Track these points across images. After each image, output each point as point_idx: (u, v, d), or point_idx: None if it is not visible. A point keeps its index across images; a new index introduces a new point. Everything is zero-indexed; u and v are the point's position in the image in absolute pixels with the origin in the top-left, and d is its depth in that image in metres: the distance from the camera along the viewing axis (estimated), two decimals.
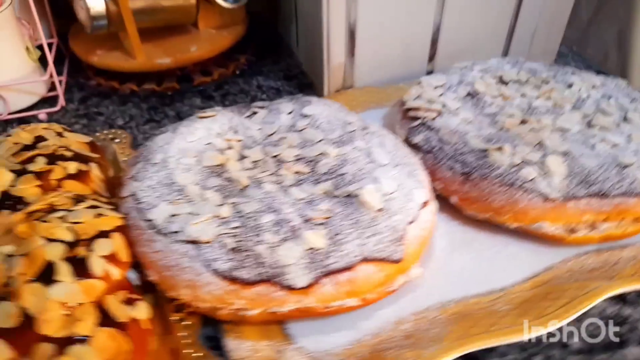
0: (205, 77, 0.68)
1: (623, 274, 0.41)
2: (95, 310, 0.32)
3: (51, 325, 0.30)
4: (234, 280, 0.35)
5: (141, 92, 0.67)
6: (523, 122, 0.50)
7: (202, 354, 0.36)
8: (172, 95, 0.67)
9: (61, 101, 0.64)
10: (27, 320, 0.30)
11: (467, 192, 0.45)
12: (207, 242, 0.36)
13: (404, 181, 0.42)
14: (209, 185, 0.41)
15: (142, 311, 0.36)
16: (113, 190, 0.47)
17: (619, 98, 0.52)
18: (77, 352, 0.29)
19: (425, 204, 0.41)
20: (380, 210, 0.39)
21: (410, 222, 0.39)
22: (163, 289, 0.37)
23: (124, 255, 0.37)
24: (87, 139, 0.45)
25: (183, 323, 0.38)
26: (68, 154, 0.42)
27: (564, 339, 0.39)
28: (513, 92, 0.55)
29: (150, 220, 0.38)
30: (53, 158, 0.40)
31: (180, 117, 0.63)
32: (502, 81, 0.57)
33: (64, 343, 0.30)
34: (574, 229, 0.43)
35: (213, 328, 0.39)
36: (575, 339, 0.39)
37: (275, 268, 0.35)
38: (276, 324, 0.38)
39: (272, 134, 0.48)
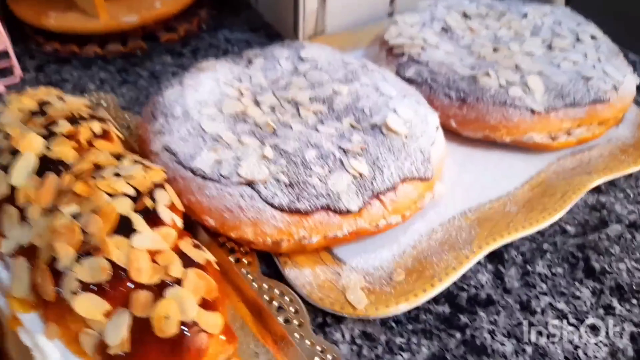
0: (172, 34, 0.66)
1: (597, 169, 0.49)
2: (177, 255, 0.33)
3: (143, 273, 0.30)
4: (295, 211, 0.37)
5: (106, 55, 0.63)
6: (495, 50, 0.56)
7: (269, 285, 0.38)
8: (138, 56, 0.64)
9: (18, 71, 0.59)
10: (117, 273, 0.30)
11: (464, 115, 0.50)
12: (263, 181, 0.38)
13: (416, 108, 0.45)
14: (239, 131, 0.42)
15: (209, 253, 0.37)
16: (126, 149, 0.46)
17: (568, 23, 0.59)
18: (175, 294, 0.30)
19: (437, 127, 0.46)
20: (407, 135, 0.42)
21: (432, 144, 0.43)
22: (225, 231, 0.38)
23: (179, 205, 0.37)
24: (87, 102, 0.43)
25: (242, 262, 0.39)
26: (85, 115, 0.40)
27: (562, 227, 0.46)
28: (478, 25, 0.60)
29: (194, 169, 0.39)
30: (72, 120, 0.39)
31: (155, 77, 0.61)
32: (466, 16, 0.62)
33: (159, 288, 0.30)
34: (555, 136, 0.50)
35: (268, 266, 0.41)
36: (569, 226, 0.46)
37: (330, 196, 0.38)
38: (326, 252, 0.41)
39: (277, 80, 0.49)
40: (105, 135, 0.40)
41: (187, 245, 0.34)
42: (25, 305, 0.31)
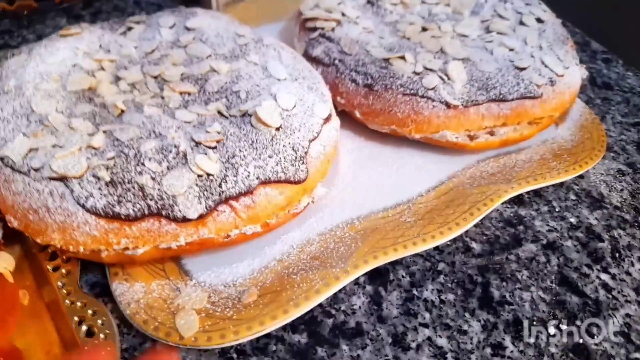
0: None
1: (519, 177, 0.42)
2: None
3: None
4: (113, 217, 0.30)
5: None
6: (424, 29, 0.48)
7: (84, 302, 0.31)
8: (29, 16, 0.57)
9: None
10: None
11: (370, 105, 0.43)
12: (78, 177, 0.31)
13: (304, 96, 0.38)
14: (76, 112, 0.35)
15: (4, 262, 0.30)
16: None
17: (515, 2, 0.51)
18: None
19: (327, 119, 0.38)
20: (278, 128, 0.35)
21: (313, 139, 0.36)
22: (30, 235, 0.32)
23: None
24: None
25: (61, 271, 0.33)
26: None
27: (467, 244, 0.39)
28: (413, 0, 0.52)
29: (4, 158, 0.32)
30: None
31: None
32: None
33: None
34: (475, 135, 0.43)
35: (97, 274, 0.35)
36: (475, 243, 0.39)
37: (162, 200, 0.31)
38: (172, 262, 0.35)
39: (152, 52, 0.42)
40: None
41: None
42: None
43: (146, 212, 0.31)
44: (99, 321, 0.31)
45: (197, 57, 0.41)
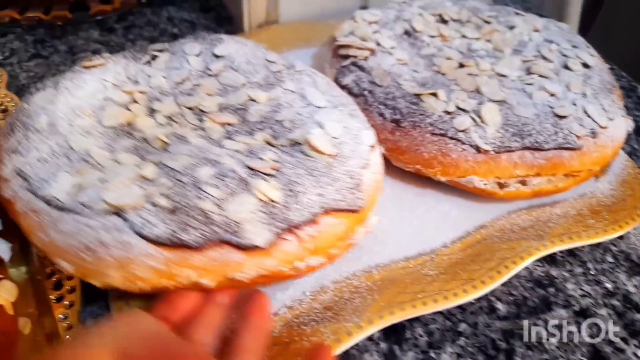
0: (105, 5, 0.58)
1: (553, 234, 0.39)
2: None
3: None
4: (178, 245, 0.28)
5: (25, 22, 0.56)
6: (461, 65, 0.46)
7: None
8: (64, 26, 0.57)
9: None
10: None
11: (396, 142, 0.41)
12: (135, 208, 0.29)
13: (348, 123, 0.37)
14: (118, 148, 0.33)
15: (6, 293, 0.29)
16: None
17: (561, 43, 0.49)
18: None
19: (373, 146, 0.37)
20: (333, 155, 0.33)
21: (364, 167, 0.35)
22: (86, 279, 0.30)
23: None
24: None
25: (64, 302, 0.32)
26: None
27: (492, 304, 0.37)
28: (453, 33, 0.50)
29: (49, 199, 0.30)
30: None
31: (73, 53, 0.54)
32: (442, 20, 0.52)
33: None
34: (505, 183, 0.40)
35: (100, 306, 0.33)
36: (501, 304, 0.37)
37: (228, 225, 0.29)
38: None
39: (182, 82, 0.40)
40: None
41: None
42: None
43: (213, 238, 0.28)
44: None
45: (231, 86, 0.40)
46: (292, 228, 0.30)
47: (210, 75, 0.41)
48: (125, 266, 0.28)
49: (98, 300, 0.33)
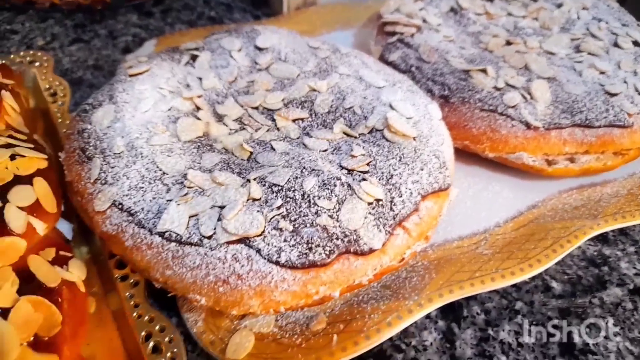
0: None
1: (606, 213, 0.39)
2: (15, 275, 0.26)
3: None
4: (309, 266, 0.28)
5: (64, 6, 0.56)
6: (508, 43, 0.46)
7: (152, 316, 0.31)
8: (102, 11, 0.57)
9: None
10: None
11: (445, 117, 0.40)
12: (259, 235, 0.28)
13: (413, 100, 0.37)
14: (207, 165, 0.32)
15: (75, 271, 0.30)
16: (34, 125, 0.39)
17: (610, 21, 0.48)
18: None
19: (441, 119, 0.37)
20: (415, 138, 0.34)
21: (442, 143, 0.35)
22: (222, 309, 0.29)
23: (50, 205, 0.30)
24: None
25: (129, 281, 0.32)
26: None
27: (546, 283, 0.36)
28: (498, 10, 0.50)
29: (164, 233, 0.29)
30: None
31: (113, 37, 0.54)
32: None
33: None
34: (553, 160, 0.40)
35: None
36: (556, 283, 0.37)
37: (347, 236, 0.29)
38: None
39: (234, 80, 0.39)
40: None
41: (39, 261, 0.28)
42: None
43: (336, 252, 0.28)
44: (167, 339, 0.30)
45: (286, 78, 0.39)
46: (400, 222, 0.30)
47: (259, 69, 0.40)
48: (263, 294, 0.28)
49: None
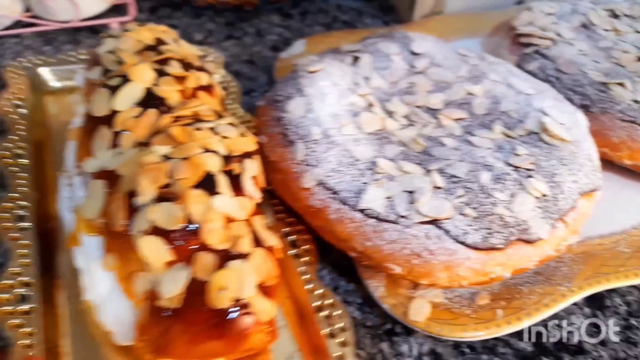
0: None
1: None
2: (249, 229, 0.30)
3: (215, 236, 0.28)
4: (490, 249, 0.33)
5: (218, 5, 0.62)
6: (639, 59, 0.48)
7: (321, 291, 0.35)
8: (248, 11, 0.63)
9: (133, 10, 0.60)
10: (189, 227, 0.27)
11: None
12: (448, 218, 0.33)
13: (561, 107, 0.41)
14: (389, 154, 0.37)
15: (277, 240, 0.35)
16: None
17: None
18: (239, 268, 0.27)
19: (588, 126, 0.41)
20: (571, 141, 0.38)
21: (591, 148, 0.39)
22: (413, 278, 0.34)
23: (262, 181, 0.35)
24: (200, 52, 0.42)
25: (301, 260, 0.37)
26: (195, 64, 0.38)
27: None
28: (626, 27, 0.52)
29: (367, 211, 0.34)
30: (184, 65, 0.36)
31: (260, 35, 0.60)
32: (614, 15, 0.54)
33: (224, 257, 0.27)
34: None
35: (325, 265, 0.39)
36: None
37: (519, 225, 0.34)
38: None
39: (397, 81, 0.44)
40: (209, 88, 0.37)
41: (259, 223, 0.32)
42: (91, 228, 0.30)
43: (511, 238, 0.33)
44: (335, 312, 0.34)
45: (442, 81, 0.43)
46: (562, 217, 0.35)
47: (416, 72, 0.44)
48: (450, 269, 0.33)
49: (328, 259, 0.39)
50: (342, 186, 0.35)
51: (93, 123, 0.33)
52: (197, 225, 0.27)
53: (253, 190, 0.32)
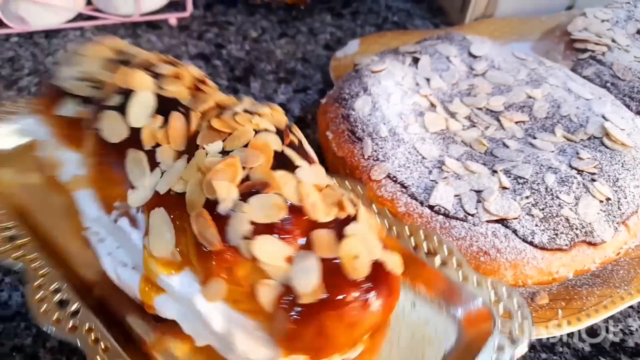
0: None
1: None
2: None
3: (319, 209, 0.25)
4: (555, 249, 0.34)
5: (273, 4, 0.64)
6: None
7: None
8: (300, 10, 0.64)
9: (190, 6, 0.61)
10: (292, 210, 0.24)
11: None
12: (515, 218, 0.34)
13: (620, 113, 0.41)
14: (454, 154, 0.38)
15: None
16: None
17: None
18: (359, 231, 0.25)
19: None
20: (633, 146, 0.38)
21: None
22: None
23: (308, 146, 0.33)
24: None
25: None
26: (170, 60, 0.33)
27: None
28: None
29: (434, 206, 0.35)
30: (168, 62, 0.32)
31: (313, 33, 0.61)
32: None
33: (335, 226, 0.25)
34: None
35: None
36: None
37: (584, 228, 0.35)
38: None
39: (456, 83, 0.45)
40: (203, 80, 0.33)
41: (337, 185, 0.30)
42: (170, 265, 0.25)
43: (576, 240, 0.35)
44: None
45: (502, 84, 0.44)
46: (624, 220, 0.36)
47: (476, 75, 0.45)
48: (516, 267, 0.34)
49: None
50: (411, 182, 0.36)
51: (109, 154, 0.28)
52: (300, 205, 0.25)
53: (315, 156, 0.30)
